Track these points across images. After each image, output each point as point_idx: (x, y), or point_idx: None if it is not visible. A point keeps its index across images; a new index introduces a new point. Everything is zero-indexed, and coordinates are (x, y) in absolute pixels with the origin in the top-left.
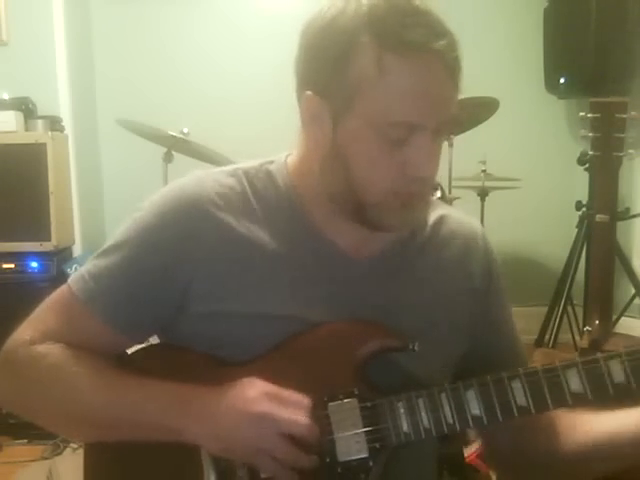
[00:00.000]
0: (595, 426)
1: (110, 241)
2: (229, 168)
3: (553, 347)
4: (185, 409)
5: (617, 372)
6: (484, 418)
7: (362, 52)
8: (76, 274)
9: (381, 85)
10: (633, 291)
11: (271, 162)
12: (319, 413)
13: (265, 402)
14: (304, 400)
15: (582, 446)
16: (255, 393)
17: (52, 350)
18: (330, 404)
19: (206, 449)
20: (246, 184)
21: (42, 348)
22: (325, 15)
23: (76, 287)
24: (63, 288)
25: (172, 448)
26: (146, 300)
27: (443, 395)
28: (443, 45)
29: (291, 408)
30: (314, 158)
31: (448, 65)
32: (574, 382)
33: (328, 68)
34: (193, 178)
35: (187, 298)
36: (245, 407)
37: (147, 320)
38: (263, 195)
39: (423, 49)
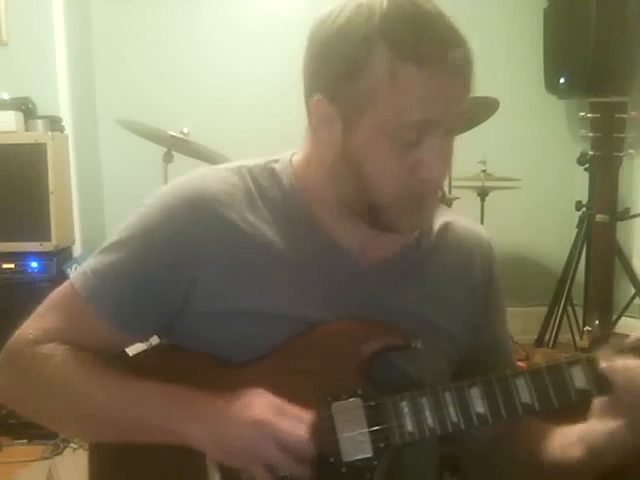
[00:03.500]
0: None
1: (113, 237)
2: (232, 165)
3: (553, 347)
4: (189, 413)
5: None
6: (489, 416)
7: (376, 62)
8: (78, 271)
9: (395, 94)
10: (633, 291)
11: (276, 161)
12: (323, 413)
13: (266, 412)
14: (306, 415)
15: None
16: (259, 402)
17: (56, 351)
18: (334, 404)
19: (208, 454)
20: (250, 182)
21: (46, 349)
22: (335, 20)
23: (79, 284)
24: (66, 285)
25: (177, 450)
26: (150, 298)
27: (447, 394)
28: (458, 57)
29: (291, 421)
30: (322, 160)
31: (462, 74)
32: (578, 379)
33: (339, 75)
34: (197, 175)
35: (191, 296)
36: (246, 414)
37: (150, 318)
38: (268, 194)
39: (439, 61)
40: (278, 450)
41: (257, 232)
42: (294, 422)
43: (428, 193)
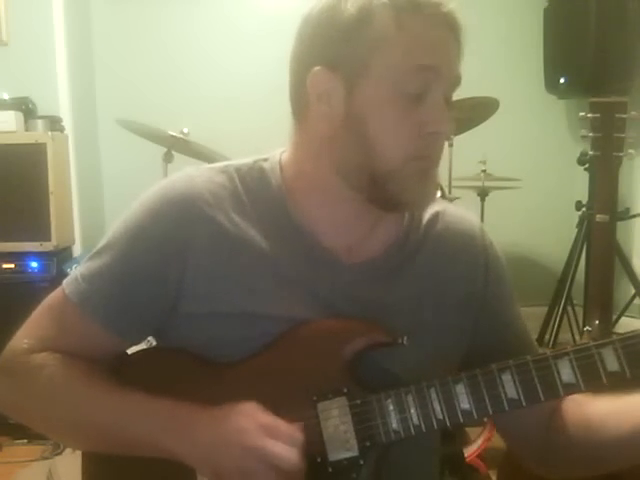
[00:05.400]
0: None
1: (102, 241)
2: (220, 165)
3: (553, 347)
4: (180, 433)
5: (610, 360)
6: (474, 412)
7: (378, 14)
8: (70, 277)
9: (399, 37)
10: (633, 291)
11: (265, 159)
12: (309, 413)
13: (258, 435)
14: (297, 433)
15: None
16: (250, 425)
17: (49, 361)
18: (319, 403)
19: (199, 472)
20: (237, 182)
21: (40, 358)
22: None
23: (69, 290)
24: (58, 291)
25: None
26: (139, 299)
27: (432, 390)
28: (452, 7)
29: (283, 444)
30: (318, 142)
31: (456, 25)
32: (565, 372)
33: (340, 37)
34: (183, 175)
35: (179, 297)
36: (238, 439)
37: (140, 320)
38: (255, 193)
39: (435, 9)
40: (271, 474)
41: (243, 232)
42: (286, 446)
43: (434, 154)
